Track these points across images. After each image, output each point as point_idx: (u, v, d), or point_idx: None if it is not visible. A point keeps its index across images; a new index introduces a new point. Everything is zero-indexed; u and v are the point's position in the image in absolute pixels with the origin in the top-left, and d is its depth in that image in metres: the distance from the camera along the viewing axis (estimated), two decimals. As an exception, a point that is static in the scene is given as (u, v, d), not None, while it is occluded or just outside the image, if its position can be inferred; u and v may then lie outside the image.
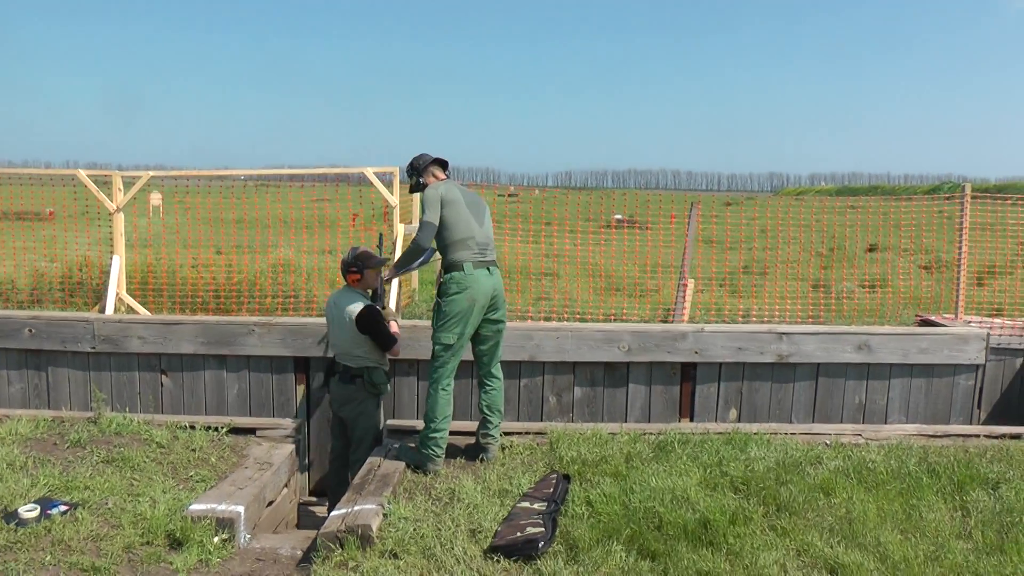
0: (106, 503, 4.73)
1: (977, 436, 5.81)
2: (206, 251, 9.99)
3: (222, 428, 5.97)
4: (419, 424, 5.39)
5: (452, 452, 5.33)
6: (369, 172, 9.33)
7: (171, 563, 4.18)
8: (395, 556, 3.98)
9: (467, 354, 5.21)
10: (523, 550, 3.94)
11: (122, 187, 9.31)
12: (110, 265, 9.18)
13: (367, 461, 5.20)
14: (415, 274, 9.12)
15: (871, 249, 15.26)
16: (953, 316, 8.34)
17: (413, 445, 5.21)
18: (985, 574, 3.78)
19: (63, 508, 4.60)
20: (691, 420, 6.73)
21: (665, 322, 7.32)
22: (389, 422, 6.01)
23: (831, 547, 4.02)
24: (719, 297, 9.95)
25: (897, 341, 6.90)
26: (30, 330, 7.00)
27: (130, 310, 9.04)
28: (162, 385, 6.98)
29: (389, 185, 9.49)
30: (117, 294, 8.98)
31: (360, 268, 5.57)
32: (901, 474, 4.94)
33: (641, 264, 11.03)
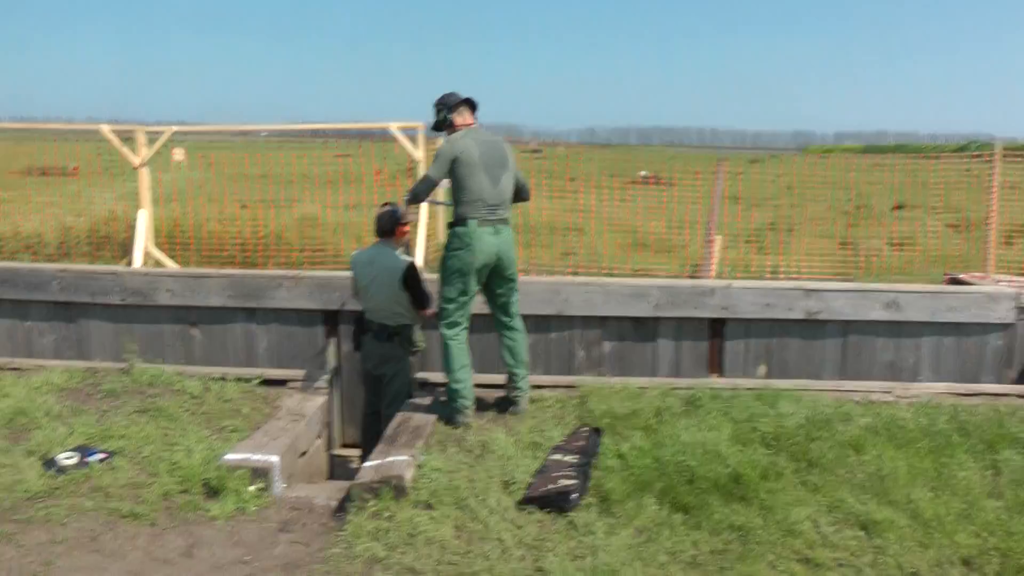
0: (142, 452, 4.81)
1: (1007, 395, 5.77)
2: (231, 206, 10.00)
3: (253, 379, 6.03)
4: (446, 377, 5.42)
5: (482, 405, 5.35)
6: (394, 127, 9.27)
7: (208, 511, 4.25)
8: (429, 507, 4.02)
9: (484, 308, 5.20)
10: (556, 502, 3.98)
11: (145, 142, 9.31)
12: (136, 219, 9.22)
13: (398, 414, 5.23)
14: (441, 228, 9.09)
15: (898, 207, 15.06)
16: (983, 275, 8.24)
17: (444, 399, 5.24)
18: (1017, 532, 3.77)
19: (101, 456, 4.69)
20: (720, 375, 6.73)
21: (693, 278, 7.28)
22: (419, 375, 6.04)
23: (862, 504, 4.03)
24: (746, 254, 9.88)
25: (926, 299, 6.83)
26: (59, 282, 7.06)
27: (158, 263, 9.10)
28: (192, 337, 7.04)
29: (413, 140, 9.43)
30: (144, 248, 9.04)
31: (408, 221, 5.63)
32: (931, 432, 4.91)
33: (668, 221, 10.95)
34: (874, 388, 5.86)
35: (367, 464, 4.42)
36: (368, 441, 5.68)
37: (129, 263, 8.71)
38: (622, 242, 10.39)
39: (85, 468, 4.55)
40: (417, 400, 5.50)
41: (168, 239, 8.92)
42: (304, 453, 5.29)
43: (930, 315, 6.82)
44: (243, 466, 4.54)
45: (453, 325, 5.07)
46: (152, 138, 9.46)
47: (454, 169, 4.89)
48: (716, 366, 6.80)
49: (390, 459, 4.39)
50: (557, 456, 4.43)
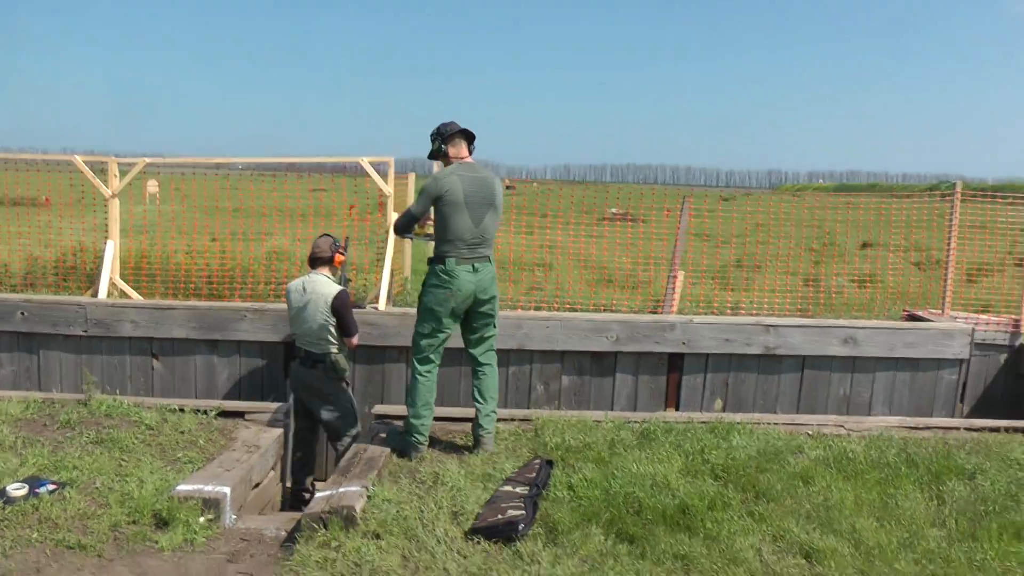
0: (94, 483, 4.78)
1: (957, 429, 5.89)
2: (201, 238, 9.99)
3: (211, 411, 6.02)
4: (406, 410, 5.44)
5: (439, 437, 5.38)
6: (364, 161, 9.35)
7: (156, 541, 4.23)
8: (377, 536, 4.03)
9: (456, 341, 5.25)
10: (503, 532, 4.00)
11: (118, 173, 9.32)
12: (104, 250, 9.20)
13: (354, 446, 5.26)
14: (408, 263, 9.15)
15: (865, 246, 15.28)
16: (940, 312, 8.39)
17: (402, 431, 5.26)
18: (956, 560, 3.84)
19: (51, 487, 4.64)
20: (677, 409, 6.80)
21: (654, 313, 7.37)
22: (378, 407, 6.07)
23: (807, 533, 4.09)
24: (709, 290, 9.99)
25: (883, 335, 6.97)
26: (23, 313, 7.05)
27: (123, 295, 9.06)
28: (153, 369, 7.03)
29: (384, 175, 9.51)
30: (110, 279, 9.01)
31: (343, 250, 5.88)
32: (880, 464, 5.01)
33: (634, 257, 11.06)
34: (828, 422, 5.96)
35: (319, 495, 4.42)
36: (299, 467, 5.81)
37: (94, 294, 8.68)
38: (589, 278, 10.48)
39: (34, 499, 4.51)
40: (374, 431, 5.52)
41: (135, 271, 8.90)
42: (258, 485, 5.28)
43: (887, 350, 6.95)
44: (194, 497, 4.53)
45: (426, 362, 5.10)
46: (124, 170, 9.47)
47: (437, 207, 4.93)
48: (673, 400, 6.88)
49: (342, 490, 4.41)
50: (508, 487, 4.46)
